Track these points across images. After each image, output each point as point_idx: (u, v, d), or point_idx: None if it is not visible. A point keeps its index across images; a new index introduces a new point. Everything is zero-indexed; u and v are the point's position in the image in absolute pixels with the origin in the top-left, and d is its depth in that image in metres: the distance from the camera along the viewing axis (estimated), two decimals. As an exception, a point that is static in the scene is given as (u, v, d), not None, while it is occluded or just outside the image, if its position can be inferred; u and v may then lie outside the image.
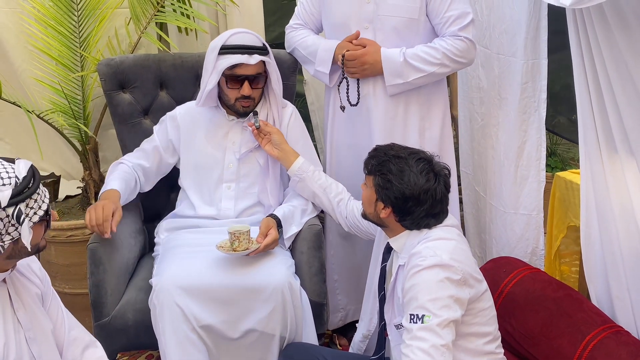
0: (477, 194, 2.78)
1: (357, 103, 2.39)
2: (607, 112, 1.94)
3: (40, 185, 1.56)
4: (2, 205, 1.47)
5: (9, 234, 1.51)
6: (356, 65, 2.34)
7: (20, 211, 1.49)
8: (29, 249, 1.53)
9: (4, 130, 3.19)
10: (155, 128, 2.46)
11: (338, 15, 2.42)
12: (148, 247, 2.55)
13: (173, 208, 2.51)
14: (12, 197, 1.48)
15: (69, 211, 2.98)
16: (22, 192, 1.50)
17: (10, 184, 1.50)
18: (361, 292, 2.31)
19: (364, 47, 2.33)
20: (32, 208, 1.53)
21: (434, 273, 1.70)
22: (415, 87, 2.36)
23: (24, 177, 1.52)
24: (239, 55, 2.24)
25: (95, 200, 2.94)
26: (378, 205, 1.89)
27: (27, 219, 1.51)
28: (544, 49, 2.26)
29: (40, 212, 1.55)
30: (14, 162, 1.56)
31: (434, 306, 1.67)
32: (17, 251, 1.56)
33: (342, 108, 2.42)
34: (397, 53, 2.31)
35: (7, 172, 1.51)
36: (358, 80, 2.39)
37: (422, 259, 1.73)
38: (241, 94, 2.29)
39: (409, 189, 1.82)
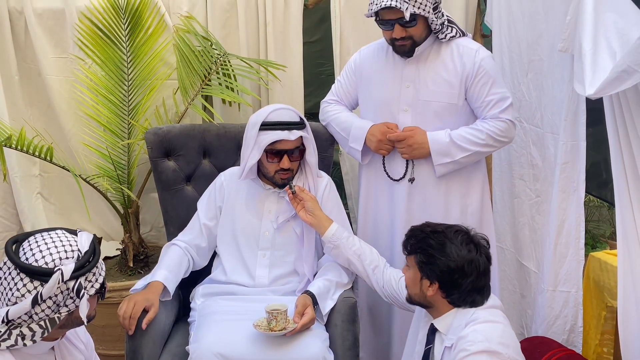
0: (527, 270, 2.76)
1: (401, 178, 2.47)
2: (644, 194, 1.97)
3: (100, 259, 1.61)
4: (65, 279, 1.51)
5: (66, 306, 1.54)
6: (404, 146, 2.41)
7: (80, 285, 1.53)
8: (85, 322, 1.57)
9: (50, 191, 3.31)
10: (202, 204, 2.52)
11: (378, 97, 2.50)
12: (182, 311, 2.58)
13: (209, 273, 2.54)
14: (74, 271, 1.52)
15: (107, 272, 3.03)
16: (83, 266, 1.54)
17: (73, 257, 1.54)
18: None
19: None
20: (90, 281, 1.57)
21: (482, 359, 1.70)
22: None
23: (86, 252, 1.56)
24: (280, 132, 2.32)
25: (133, 263, 3.02)
26: (424, 283, 1.91)
27: (85, 293, 1.55)
28: (582, 131, 2.32)
29: (97, 285, 1.59)
30: (76, 234, 1.61)
31: None
32: (71, 321, 1.59)
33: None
34: (442, 134, 2.39)
35: (71, 245, 1.56)
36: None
37: (470, 344, 1.73)
38: (280, 167, 2.37)
39: (453, 261, 1.84)
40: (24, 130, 2.55)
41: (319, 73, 3.77)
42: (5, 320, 1.54)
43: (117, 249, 3.19)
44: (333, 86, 2.69)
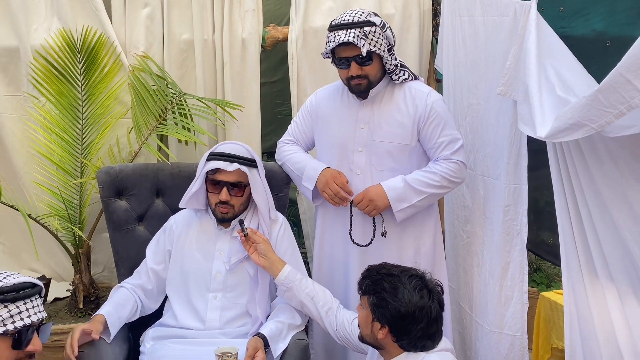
0: (463, 311, 2.80)
1: (369, 243, 2.48)
2: (587, 237, 2.00)
3: (22, 304, 1.56)
4: None
5: None
6: (366, 203, 2.42)
7: None
8: None
9: (0, 230, 3.23)
10: (150, 249, 2.51)
11: (334, 137, 2.54)
12: (132, 355, 2.52)
13: (160, 316, 2.49)
14: None
15: (56, 314, 2.97)
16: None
17: None
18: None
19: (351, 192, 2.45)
20: (1, 316, 1.53)
21: None
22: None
23: (13, 284, 1.54)
24: (220, 162, 2.35)
25: (84, 305, 2.96)
26: (375, 325, 1.91)
27: None
28: (524, 174, 2.37)
29: (10, 326, 1.54)
30: (27, 278, 1.59)
31: None
32: None
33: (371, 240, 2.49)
34: (396, 180, 2.42)
35: (5, 278, 1.54)
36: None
37: None
38: (219, 199, 2.37)
39: (404, 306, 1.85)
40: (-29, 169, 2.50)
41: (278, 112, 3.79)
42: None
43: (67, 290, 3.12)
44: (289, 127, 2.72)
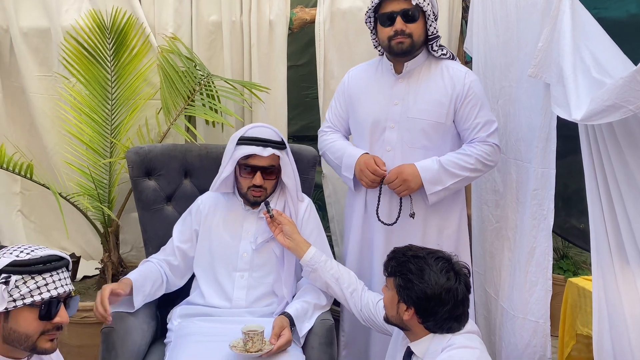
0: (489, 296, 2.78)
1: (394, 222, 2.45)
2: (619, 222, 1.97)
3: (49, 276, 1.58)
4: None
5: None
6: (398, 185, 2.39)
7: (9, 281, 1.52)
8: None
9: (30, 209, 3.29)
10: (177, 227, 2.53)
11: (366, 114, 2.50)
12: (160, 332, 2.56)
13: (188, 294, 2.53)
14: (8, 265, 1.52)
15: (86, 292, 3.02)
16: (23, 266, 1.54)
17: (18, 256, 1.54)
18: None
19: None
20: (28, 288, 1.54)
21: None
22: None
23: (36, 257, 1.56)
24: (254, 147, 2.35)
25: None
26: (400, 307, 1.91)
27: (5, 288, 1.52)
28: (552, 159, 2.34)
29: (37, 297, 1.56)
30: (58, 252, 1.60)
31: None
32: (8, 334, 1.56)
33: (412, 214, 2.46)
34: (430, 162, 2.38)
35: (31, 250, 1.56)
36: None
37: None
38: (252, 184, 2.38)
39: (430, 288, 1.84)
40: (4, 147, 2.55)
41: (304, 96, 3.80)
42: None
43: (96, 268, 3.17)
44: (327, 113, 2.68)
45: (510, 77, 2.56)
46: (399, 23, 2.32)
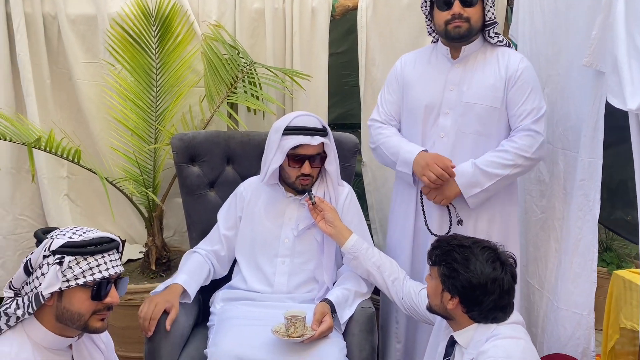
0: (531, 287, 2.75)
1: (447, 232, 2.41)
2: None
3: (101, 257, 1.61)
4: (51, 248, 1.55)
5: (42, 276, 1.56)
6: (434, 195, 2.37)
7: (63, 262, 1.55)
8: (43, 298, 1.55)
9: (77, 193, 3.37)
10: (221, 214, 2.55)
11: (419, 101, 2.45)
12: (202, 316, 2.61)
13: (229, 279, 2.57)
14: (62, 246, 1.56)
15: (130, 275, 3.09)
16: (77, 247, 1.57)
17: (72, 238, 1.58)
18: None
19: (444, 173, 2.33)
20: (81, 268, 1.58)
21: None
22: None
23: (89, 239, 1.60)
24: (302, 137, 2.35)
25: (156, 266, 3.06)
26: (444, 296, 1.90)
27: (59, 268, 1.55)
28: (599, 148, 2.28)
29: (89, 278, 1.59)
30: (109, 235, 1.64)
31: None
32: (61, 313, 1.60)
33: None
34: (465, 165, 2.34)
35: (83, 232, 1.61)
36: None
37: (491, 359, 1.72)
38: (301, 173, 2.39)
39: (476, 277, 1.83)
40: (52, 133, 2.60)
41: (344, 84, 3.80)
42: (13, 288, 1.60)
43: (140, 252, 3.24)
44: (378, 99, 2.60)
45: (558, 66, 2.51)
46: (457, 6, 2.30)
